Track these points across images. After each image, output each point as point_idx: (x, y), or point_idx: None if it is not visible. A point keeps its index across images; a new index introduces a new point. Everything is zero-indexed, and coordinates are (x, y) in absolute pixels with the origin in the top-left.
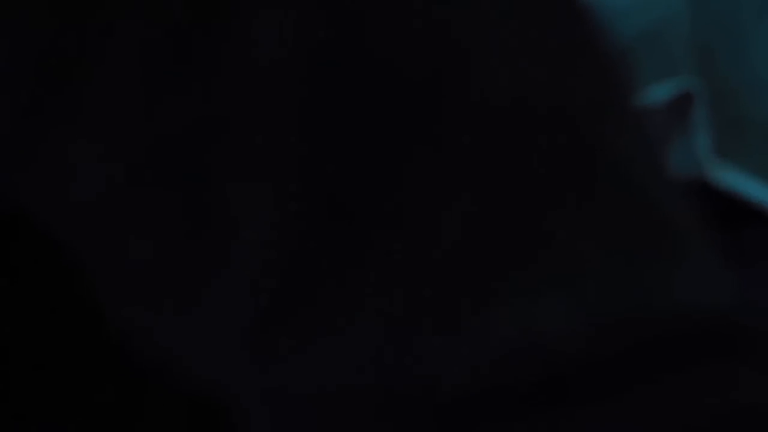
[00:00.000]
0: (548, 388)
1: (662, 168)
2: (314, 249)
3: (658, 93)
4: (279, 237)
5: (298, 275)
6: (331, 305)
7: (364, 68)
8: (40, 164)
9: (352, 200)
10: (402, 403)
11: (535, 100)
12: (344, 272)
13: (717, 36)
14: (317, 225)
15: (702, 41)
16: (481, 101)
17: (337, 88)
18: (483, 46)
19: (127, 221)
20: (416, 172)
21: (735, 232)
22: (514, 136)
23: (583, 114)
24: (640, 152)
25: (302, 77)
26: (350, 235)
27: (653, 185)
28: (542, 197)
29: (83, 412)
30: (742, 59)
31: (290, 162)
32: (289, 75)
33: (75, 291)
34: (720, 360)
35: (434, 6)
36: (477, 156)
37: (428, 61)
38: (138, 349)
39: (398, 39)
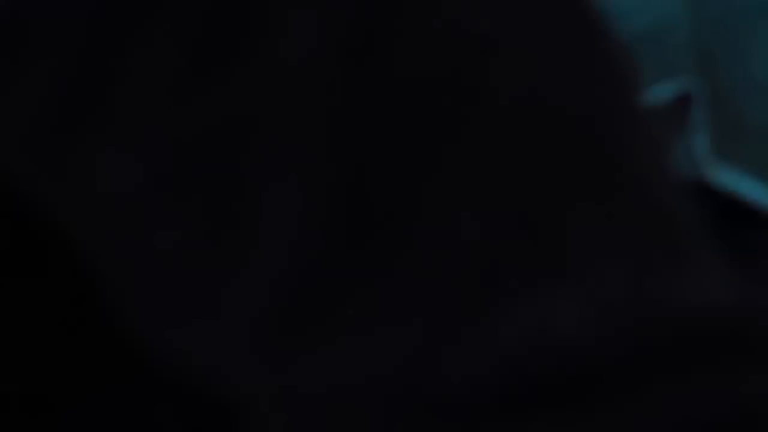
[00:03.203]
0: (562, 388)
1: (669, 168)
2: (336, 250)
3: (657, 94)
4: (303, 237)
5: (317, 276)
6: (348, 305)
7: (387, 68)
8: (67, 170)
9: (374, 201)
10: (417, 403)
11: (555, 100)
12: (363, 273)
13: (716, 37)
14: (341, 225)
15: (701, 43)
16: (501, 100)
17: (360, 88)
18: (504, 46)
19: (151, 223)
20: (436, 172)
21: (734, 232)
22: (533, 137)
23: (600, 116)
24: (649, 154)
25: (326, 79)
26: (371, 236)
27: (663, 187)
28: (560, 198)
29: (92, 414)
30: (741, 61)
31: (316, 162)
32: (314, 76)
33: (90, 295)
34: (732, 359)
35: (455, 6)
36: (495, 155)
37: (449, 60)
38: (153, 353)
39: (420, 39)
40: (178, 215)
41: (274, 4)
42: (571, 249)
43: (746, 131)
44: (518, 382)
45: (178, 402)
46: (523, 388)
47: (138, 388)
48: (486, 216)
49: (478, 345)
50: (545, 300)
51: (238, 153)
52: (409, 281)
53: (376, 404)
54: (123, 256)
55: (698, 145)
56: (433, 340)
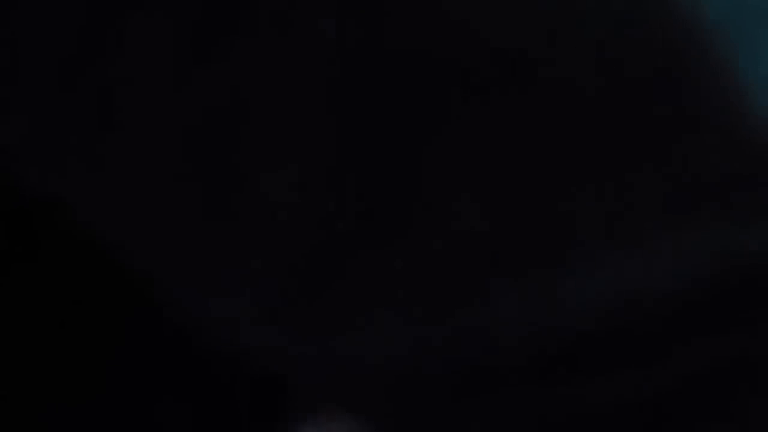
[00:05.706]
0: (567, 362)
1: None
2: (333, 233)
3: None
4: (303, 219)
5: (324, 258)
6: (355, 288)
7: (387, 55)
8: (72, 158)
9: (372, 183)
10: (429, 378)
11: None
12: (367, 255)
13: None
14: (341, 207)
15: None
16: (493, 85)
17: (360, 75)
18: (498, 37)
19: (158, 205)
20: (435, 153)
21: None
22: (530, 119)
23: (592, 100)
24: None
25: (328, 67)
26: (370, 218)
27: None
28: (558, 180)
29: (92, 414)
30: (747, 59)
31: (317, 145)
32: (316, 65)
33: (87, 293)
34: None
35: None
36: (492, 138)
37: (446, 47)
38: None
39: (420, 28)
40: (179, 196)
41: None
42: (571, 233)
43: None
44: (523, 355)
45: (178, 401)
46: (528, 360)
47: (138, 387)
48: (485, 198)
49: (473, 329)
50: (546, 283)
51: (239, 136)
52: (406, 264)
53: (385, 380)
54: (132, 235)
55: None
56: (428, 324)
